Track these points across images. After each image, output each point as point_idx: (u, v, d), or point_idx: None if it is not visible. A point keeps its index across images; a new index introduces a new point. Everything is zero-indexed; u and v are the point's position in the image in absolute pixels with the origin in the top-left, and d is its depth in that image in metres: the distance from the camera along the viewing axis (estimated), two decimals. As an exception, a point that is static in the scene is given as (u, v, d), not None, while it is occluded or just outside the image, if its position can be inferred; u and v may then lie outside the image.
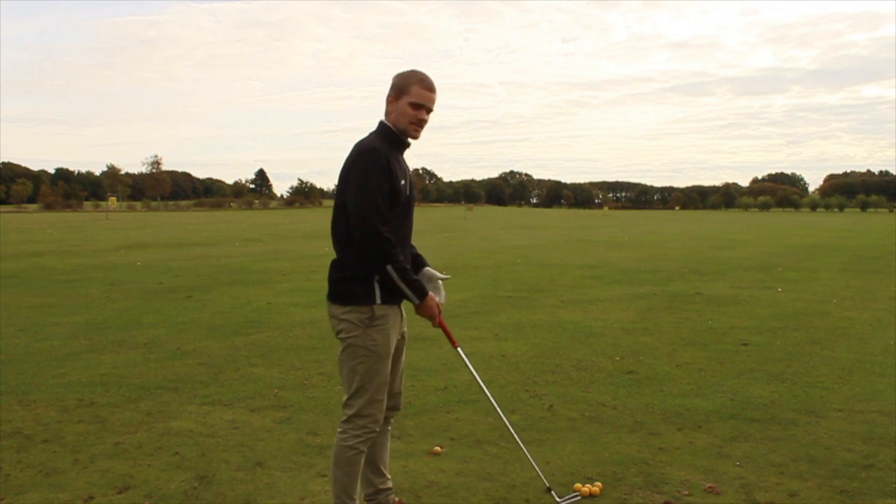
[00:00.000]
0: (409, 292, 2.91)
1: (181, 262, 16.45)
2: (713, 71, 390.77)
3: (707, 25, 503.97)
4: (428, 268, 3.19)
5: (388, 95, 2.98)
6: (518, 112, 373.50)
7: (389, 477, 3.27)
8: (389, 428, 3.26)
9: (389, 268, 2.83)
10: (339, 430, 2.99)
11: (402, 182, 2.91)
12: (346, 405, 2.97)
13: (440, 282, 3.17)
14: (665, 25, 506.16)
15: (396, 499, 3.34)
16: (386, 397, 3.00)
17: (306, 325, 8.03)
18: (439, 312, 3.05)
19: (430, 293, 3.00)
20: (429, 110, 2.97)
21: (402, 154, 3.02)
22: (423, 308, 2.99)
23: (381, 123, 3.00)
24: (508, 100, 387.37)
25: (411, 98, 2.92)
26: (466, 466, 3.86)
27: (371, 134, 2.99)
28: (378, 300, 2.90)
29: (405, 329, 3.17)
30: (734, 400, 5.08)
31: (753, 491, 3.53)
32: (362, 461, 3.00)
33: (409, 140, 3.00)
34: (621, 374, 5.83)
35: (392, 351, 2.98)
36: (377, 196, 2.80)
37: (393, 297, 2.94)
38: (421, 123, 2.96)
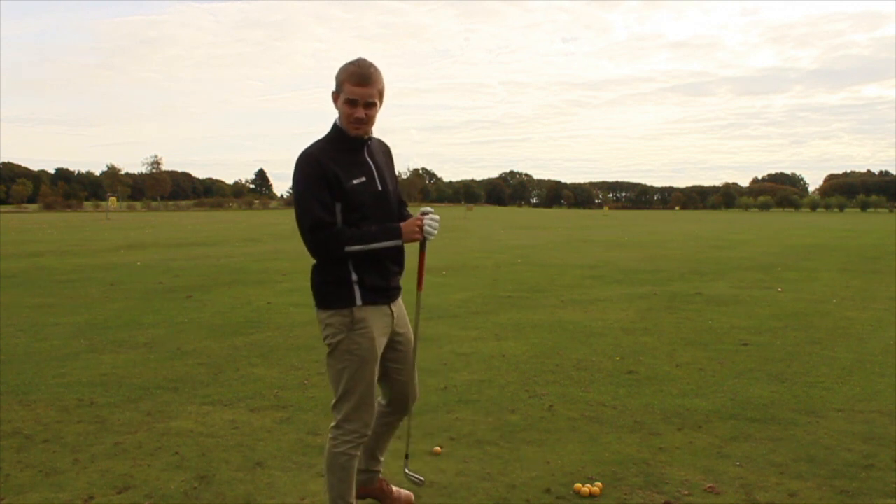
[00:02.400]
0: (384, 244, 2.81)
1: (181, 262, 16.44)
2: (713, 71, 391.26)
3: (707, 25, 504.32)
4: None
5: (332, 93, 2.87)
6: (518, 112, 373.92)
7: (382, 460, 3.36)
8: (398, 423, 3.31)
9: (349, 248, 2.76)
10: (329, 434, 2.95)
11: (359, 180, 2.81)
12: (334, 408, 2.94)
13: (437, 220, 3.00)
14: (665, 25, 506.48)
15: (382, 478, 3.41)
16: (374, 401, 2.95)
17: (306, 325, 8.03)
18: (420, 228, 2.88)
19: (402, 224, 2.87)
20: (368, 104, 2.80)
21: (360, 152, 2.88)
22: (406, 235, 2.87)
23: (333, 124, 2.91)
24: (508, 100, 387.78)
25: (345, 95, 2.79)
26: (466, 466, 3.86)
27: (322, 136, 2.91)
28: (358, 301, 2.84)
29: (404, 330, 3.11)
30: (734, 400, 5.08)
31: (753, 491, 3.53)
32: (356, 465, 2.96)
33: (363, 137, 2.88)
34: (621, 374, 5.83)
35: (378, 354, 2.91)
36: (312, 201, 2.74)
37: (375, 296, 2.88)
38: (359, 121, 2.81)
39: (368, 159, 2.90)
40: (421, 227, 2.88)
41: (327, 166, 2.75)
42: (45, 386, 5.51)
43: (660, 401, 5.07)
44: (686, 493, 3.52)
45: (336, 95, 2.84)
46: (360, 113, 2.79)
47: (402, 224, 2.87)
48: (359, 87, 2.77)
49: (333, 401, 2.94)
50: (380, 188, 2.89)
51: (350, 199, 2.78)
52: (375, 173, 2.90)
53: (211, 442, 4.25)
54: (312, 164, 2.76)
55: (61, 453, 4.08)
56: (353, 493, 2.97)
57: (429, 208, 3.00)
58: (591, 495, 3.47)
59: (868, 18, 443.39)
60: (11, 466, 3.88)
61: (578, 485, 3.56)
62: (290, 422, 4.64)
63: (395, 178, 3.09)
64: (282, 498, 3.49)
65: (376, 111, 2.85)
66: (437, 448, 4.11)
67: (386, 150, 3.09)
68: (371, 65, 2.81)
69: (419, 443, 4.22)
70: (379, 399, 3.18)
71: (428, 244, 3.03)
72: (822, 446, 4.14)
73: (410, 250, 3.06)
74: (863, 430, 4.41)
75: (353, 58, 2.86)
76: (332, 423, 2.94)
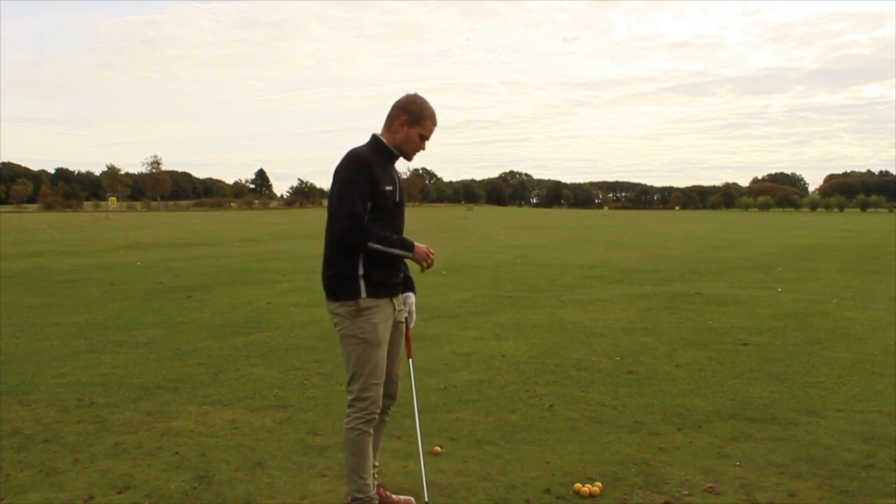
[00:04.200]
0: (399, 252, 3.16)
1: (181, 262, 16.44)
2: (714, 71, 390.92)
3: (708, 25, 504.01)
4: (411, 293, 3.44)
5: (400, 117, 3.21)
6: (518, 112, 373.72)
7: (377, 463, 3.47)
8: (386, 418, 3.48)
9: (371, 244, 3.08)
10: (346, 415, 3.23)
11: (389, 188, 3.16)
12: (347, 391, 3.23)
13: (412, 305, 3.46)
14: (666, 25, 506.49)
15: (379, 483, 3.47)
16: (382, 382, 3.21)
17: (306, 325, 8.03)
18: (429, 257, 3.27)
19: (419, 245, 3.24)
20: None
21: (392, 165, 3.27)
22: (416, 256, 3.22)
23: (374, 137, 3.25)
24: (509, 100, 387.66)
25: (423, 131, 3.23)
26: (466, 466, 3.86)
27: (363, 144, 3.25)
28: (363, 294, 3.14)
29: (400, 320, 3.39)
30: (734, 400, 5.08)
31: (753, 491, 3.53)
32: (369, 442, 3.21)
33: (400, 156, 3.28)
34: (621, 374, 5.83)
35: (382, 339, 3.19)
36: (355, 193, 3.06)
37: (379, 290, 3.17)
38: (420, 151, 3.29)
39: (395, 174, 3.30)
40: (430, 260, 3.25)
41: (373, 169, 3.13)
42: (45, 386, 5.51)
43: (660, 401, 5.07)
44: (686, 493, 3.52)
45: (408, 123, 3.21)
46: (424, 146, 3.29)
47: (417, 244, 3.22)
48: (435, 126, 3.28)
49: (347, 383, 3.24)
50: (398, 199, 3.26)
51: (379, 201, 3.14)
52: (398, 186, 3.27)
53: (211, 442, 4.25)
54: (363, 163, 3.12)
55: (61, 453, 4.08)
56: (369, 469, 3.22)
57: (411, 296, 3.44)
58: (591, 495, 3.47)
59: (869, 18, 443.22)
60: (11, 466, 3.88)
61: (578, 485, 3.56)
62: (290, 422, 4.64)
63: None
64: (282, 498, 3.49)
65: None
66: (438, 448, 4.11)
67: (398, 173, 3.43)
68: None
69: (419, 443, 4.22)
70: None
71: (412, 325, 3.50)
72: (822, 446, 4.14)
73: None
74: (863, 430, 4.41)
75: (411, 91, 3.29)
76: (347, 404, 3.23)
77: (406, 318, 3.44)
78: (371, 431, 3.21)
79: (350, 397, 3.20)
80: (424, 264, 3.27)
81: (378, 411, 3.22)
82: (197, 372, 5.95)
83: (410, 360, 3.54)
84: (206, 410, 4.88)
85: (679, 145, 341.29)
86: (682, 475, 3.73)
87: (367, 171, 3.09)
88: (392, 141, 3.23)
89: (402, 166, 3.51)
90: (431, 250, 3.31)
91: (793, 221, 53.17)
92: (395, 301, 3.28)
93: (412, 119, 3.21)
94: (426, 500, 3.37)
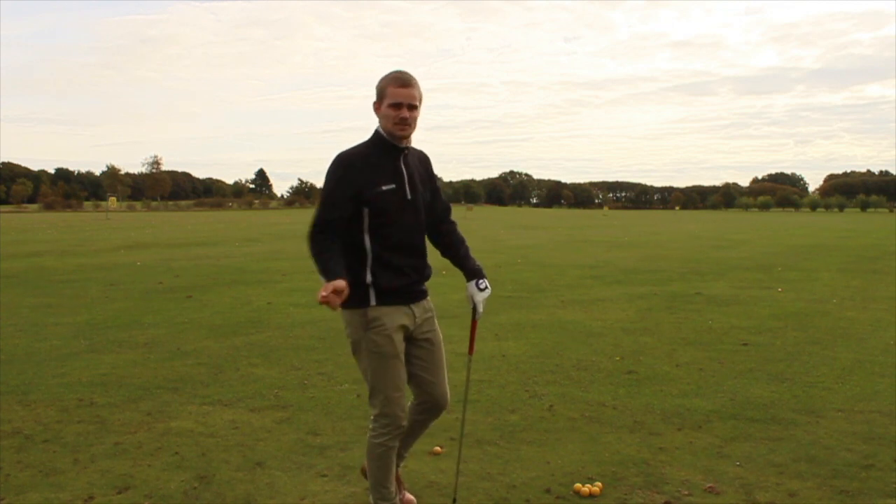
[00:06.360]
0: (322, 278, 2.80)
1: (181, 262, 16.44)
2: (716, 70, 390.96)
3: (710, 24, 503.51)
4: (471, 283, 3.22)
5: (375, 103, 3.02)
6: (520, 112, 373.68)
7: (405, 456, 3.42)
8: (428, 425, 3.34)
9: (314, 258, 2.90)
10: (369, 425, 3.14)
11: (389, 186, 2.95)
12: (369, 403, 3.12)
13: (480, 295, 3.22)
14: (668, 24, 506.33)
15: (399, 475, 3.41)
16: (404, 393, 3.07)
17: (306, 325, 8.03)
18: (335, 294, 2.71)
19: (334, 281, 2.73)
20: (410, 106, 2.94)
21: (396, 159, 3.02)
22: (326, 287, 2.74)
23: (374, 131, 3.05)
24: (510, 99, 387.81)
25: (389, 100, 2.94)
26: (466, 466, 3.86)
27: (363, 141, 3.06)
28: (372, 301, 2.98)
29: (430, 330, 3.18)
30: (734, 400, 5.08)
31: (753, 491, 3.53)
32: (393, 454, 3.13)
33: (402, 144, 3.01)
34: (621, 374, 5.82)
35: (398, 350, 3.02)
36: (327, 201, 2.92)
37: (389, 298, 3.00)
38: (404, 121, 2.94)
39: (403, 167, 3.04)
40: (322, 297, 2.70)
41: (357, 170, 2.92)
42: (45, 386, 5.51)
43: (660, 401, 5.07)
44: (686, 493, 3.52)
45: (378, 104, 2.99)
46: (405, 113, 2.93)
47: (327, 282, 2.73)
48: (402, 88, 2.94)
49: (368, 395, 3.13)
50: (409, 196, 3.03)
51: (376, 204, 2.94)
52: (406, 181, 3.03)
53: (211, 442, 4.25)
54: (343, 166, 2.94)
55: (61, 453, 4.08)
56: (393, 479, 3.15)
57: (484, 283, 3.22)
58: (591, 495, 3.47)
59: (871, 18, 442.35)
60: (11, 466, 3.88)
61: (578, 485, 3.56)
62: (290, 422, 4.64)
63: (432, 187, 3.18)
64: (282, 498, 3.49)
65: (417, 114, 3.00)
66: (438, 448, 4.11)
67: (423, 160, 3.20)
68: (409, 72, 3.01)
69: (419, 443, 4.21)
70: (410, 400, 3.27)
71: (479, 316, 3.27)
72: (822, 446, 4.13)
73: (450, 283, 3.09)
74: (863, 430, 4.41)
75: (398, 68, 3.06)
76: (371, 416, 3.12)
77: (473, 308, 3.22)
78: (396, 445, 3.11)
79: (374, 412, 3.07)
80: (321, 296, 2.70)
81: (404, 424, 3.09)
82: (197, 372, 5.95)
83: (469, 357, 3.40)
84: (206, 410, 4.88)
85: (680, 145, 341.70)
86: (682, 475, 3.73)
87: (344, 174, 2.91)
88: (382, 129, 3.00)
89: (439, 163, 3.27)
90: (328, 292, 2.67)
91: (793, 221, 53.17)
92: (414, 308, 3.08)
93: (378, 97, 2.98)
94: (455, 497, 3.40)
